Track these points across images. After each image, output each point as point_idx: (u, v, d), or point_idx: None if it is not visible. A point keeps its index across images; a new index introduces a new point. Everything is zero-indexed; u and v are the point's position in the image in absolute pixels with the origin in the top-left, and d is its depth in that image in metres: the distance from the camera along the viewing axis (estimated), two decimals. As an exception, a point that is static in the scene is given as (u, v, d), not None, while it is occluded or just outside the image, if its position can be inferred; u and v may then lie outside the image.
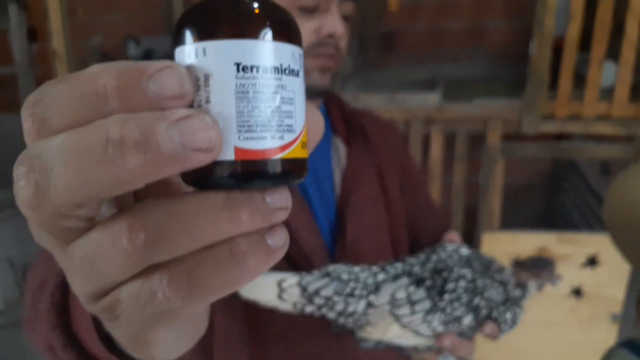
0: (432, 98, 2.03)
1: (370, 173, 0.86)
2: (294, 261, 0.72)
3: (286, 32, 0.26)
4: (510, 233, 1.98)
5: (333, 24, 0.75)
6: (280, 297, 0.58)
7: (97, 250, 0.24)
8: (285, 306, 0.59)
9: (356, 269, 0.63)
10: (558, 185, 2.66)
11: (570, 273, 1.95)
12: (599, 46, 1.87)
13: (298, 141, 0.26)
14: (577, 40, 1.88)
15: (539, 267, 0.66)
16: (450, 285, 0.61)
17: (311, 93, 0.78)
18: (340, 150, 0.86)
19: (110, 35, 2.86)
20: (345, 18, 0.80)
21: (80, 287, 0.27)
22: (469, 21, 2.76)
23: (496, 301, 0.63)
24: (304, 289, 0.58)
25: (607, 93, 1.93)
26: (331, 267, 0.62)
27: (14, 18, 3.08)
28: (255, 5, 0.25)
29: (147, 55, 2.37)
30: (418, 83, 2.38)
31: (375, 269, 0.64)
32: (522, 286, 0.66)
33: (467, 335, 0.63)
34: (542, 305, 1.99)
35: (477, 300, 0.61)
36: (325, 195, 0.82)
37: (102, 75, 0.23)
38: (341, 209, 0.81)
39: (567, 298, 1.96)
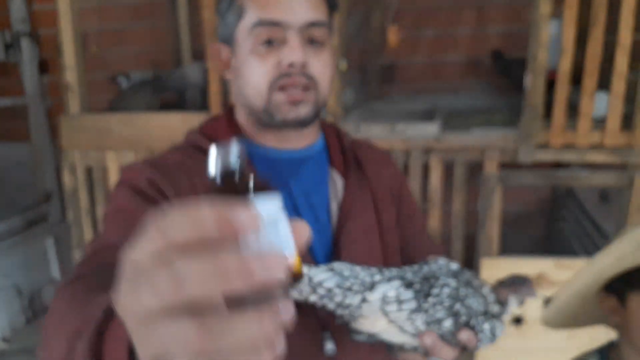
0: (431, 128, 2.10)
1: (366, 204, 0.89)
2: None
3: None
4: (509, 259, 2.02)
5: (290, 53, 0.77)
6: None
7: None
8: (293, 293, 0.66)
9: (357, 267, 0.69)
10: (556, 213, 2.71)
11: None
12: (590, 78, 1.94)
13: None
14: (570, 73, 1.96)
15: (517, 283, 0.71)
16: (435, 290, 0.67)
17: (289, 126, 0.82)
18: (337, 183, 0.89)
19: (119, 68, 2.96)
20: (319, 43, 0.81)
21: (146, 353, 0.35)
22: (466, 54, 2.86)
23: (476, 310, 0.68)
24: (310, 279, 0.65)
25: (600, 123, 2.00)
26: (336, 264, 0.68)
27: (26, 51, 3.19)
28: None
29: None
30: (418, 113, 2.46)
31: (373, 270, 0.69)
32: (501, 302, 0.71)
33: (448, 340, 0.68)
34: (542, 332, 2.02)
35: (457, 306, 0.66)
36: (321, 226, 0.85)
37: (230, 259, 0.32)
38: (337, 238, 0.85)
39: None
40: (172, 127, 2.19)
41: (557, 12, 1.98)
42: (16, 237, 3.07)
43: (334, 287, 0.65)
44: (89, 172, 2.34)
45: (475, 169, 2.19)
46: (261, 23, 0.77)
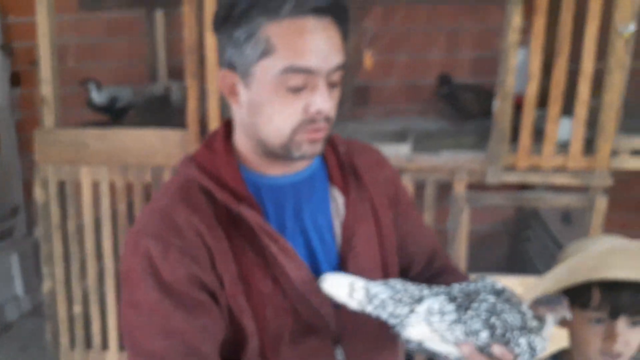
0: (403, 149, 2.16)
1: (366, 215, 0.93)
2: (303, 316, 0.84)
3: None
4: (476, 275, 2.08)
5: (320, 101, 0.79)
6: (350, 295, 0.77)
7: None
8: (352, 303, 0.77)
9: (409, 283, 0.79)
10: (522, 234, 2.81)
11: (533, 316, 2.06)
12: (555, 104, 2.04)
13: None
14: (536, 99, 2.05)
15: (553, 302, 0.78)
16: (474, 305, 0.74)
17: (303, 159, 0.85)
18: (338, 201, 0.92)
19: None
20: (334, 85, 0.82)
21: None
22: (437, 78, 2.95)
23: (512, 324, 0.74)
24: (367, 291, 0.76)
25: (564, 147, 2.09)
26: (391, 280, 0.79)
27: (-2, 63, 3.16)
28: None
29: (112, 102, 2.46)
30: (390, 135, 2.52)
31: (424, 286, 0.79)
32: (539, 318, 0.77)
33: (485, 351, 0.74)
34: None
35: (493, 320, 0.73)
36: (327, 245, 0.89)
37: None
38: (343, 255, 0.89)
39: None
40: (148, 143, 2.20)
41: (525, 41, 2.09)
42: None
43: (387, 299, 0.75)
44: (61, 186, 2.33)
45: (444, 189, 2.26)
46: (294, 70, 0.77)
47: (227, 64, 0.83)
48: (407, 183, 2.16)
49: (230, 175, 0.84)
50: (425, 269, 1.05)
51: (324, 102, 0.79)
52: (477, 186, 2.17)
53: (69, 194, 2.32)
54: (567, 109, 2.08)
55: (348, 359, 0.89)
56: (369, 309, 0.76)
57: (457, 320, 0.74)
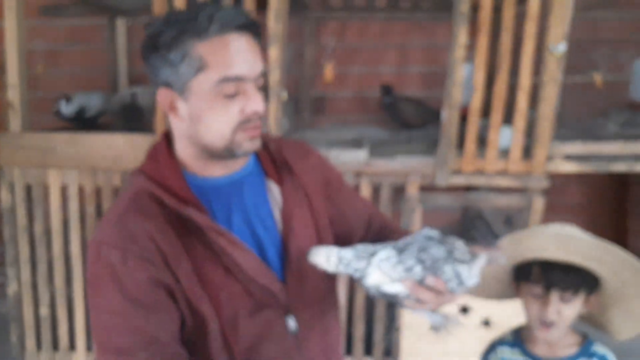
0: (361, 154, 2.33)
1: (300, 200, 1.06)
2: (255, 296, 0.96)
3: None
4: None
5: (255, 103, 0.91)
6: (327, 261, 0.92)
7: None
8: (330, 267, 0.92)
9: (369, 245, 0.95)
10: (467, 234, 3.02)
11: (480, 307, 2.26)
12: (496, 114, 2.26)
13: None
14: (480, 109, 2.26)
15: (490, 245, 0.97)
16: (409, 247, 0.91)
17: (245, 156, 0.99)
18: (274, 191, 1.05)
19: (55, 89, 2.99)
20: (260, 88, 0.95)
21: None
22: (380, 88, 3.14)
23: (436, 256, 0.89)
24: (338, 256, 0.92)
25: (505, 152, 2.31)
26: (357, 244, 0.95)
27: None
28: None
29: (81, 112, 2.52)
30: (346, 142, 2.69)
31: (378, 244, 0.94)
32: (473, 254, 0.93)
33: (423, 284, 0.88)
34: (459, 337, 2.27)
35: (422, 255, 0.89)
36: (270, 231, 1.02)
37: None
38: (285, 238, 1.02)
39: (477, 329, 2.26)
40: (117, 147, 2.27)
41: (470, 56, 2.30)
42: None
43: (352, 258, 0.91)
44: (27, 189, 2.36)
45: (398, 192, 2.44)
46: (227, 79, 0.89)
47: (164, 83, 0.93)
48: (365, 186, 2.33)
49: (176, 182, 0.94)
50: (368, 232, 1.19)
51: (258, 103, 0.92)
52: (428, 188, 2.36)
53: (36, 197, 2.36)
54: (508, 119, 2.30)
55: (299, 325, 1.02)
56: (340, 268, 0.92)
57: (398, 262, 0.89)
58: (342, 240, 1.13)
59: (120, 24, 3.04)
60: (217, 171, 0.99)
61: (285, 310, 1.00)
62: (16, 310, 2.43)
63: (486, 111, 2.32)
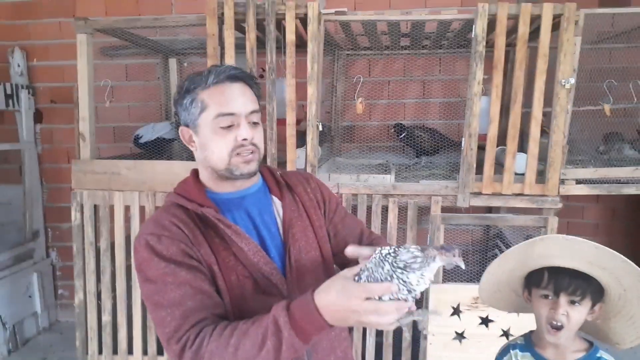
0: (388, 178, 2.59)
1: (299, 214, 1.31)
2: (260, 283, 1.18)
3: None
4: (451, 285, 2.50)
5: (244, 132, 1.18)
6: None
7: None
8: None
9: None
10: (489, 252, 3.24)
11: (501, 320, 2.46)
12: (512, 142, 2.50)
13: None
14: (496, 137, 2.50)
15: (445, 249, 0.98)
16: (361, 274, 1.00)
17: (244, 177, 1.23)
18: (277, 204, 1.31)
19: (112, 121, 3.31)
20: (257, 123, 1.22)
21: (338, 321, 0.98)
22: (412, 120, 3.41)
23: (381, 279, 0.97)
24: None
25: (520, 177, 2.54)
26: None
27: (24, 102, 3.51)
28: None
29: (158, 139, 2.84)
30: (374, 167, 2.95)
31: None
32: (425, 261, 0.97)
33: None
34: (481, 346, 2.47)
35: (371, 280, 0.99)
36: (273, 234, 1.26)
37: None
38: (285, 240, 1.26)
39: (498, 339, 2.46)
40: (175, 173, 2.58)
41: (487, 90, 2.54)
42: (3, 271, 3.28)
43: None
44: (95, 209, 2.67)
45: (422, 212, 2.69)
46: (222, 114, 1.18)
47: (184, 123, 1.24)
48: (393, 206, 2.58)
49: (196, 193, 1.22)
50: (360, 244, 1.35)
51: (246, 132, 1.18)
52: (450, 209, 2.60)
53: (102, 216, 2.67)
54: (523, 146, 2.52)
55: None
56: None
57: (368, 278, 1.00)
58: (339, 252, 1.32)
59: (172, 63, 3.39)
60: (229, 189, 1.26)
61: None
62: (81, 317, 2.72)
63: (503, 139, 2.56)
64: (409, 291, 0.97)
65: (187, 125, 1.24)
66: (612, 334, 1.34)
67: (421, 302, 2.55)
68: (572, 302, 1.25)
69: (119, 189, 2.64)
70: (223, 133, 1.18)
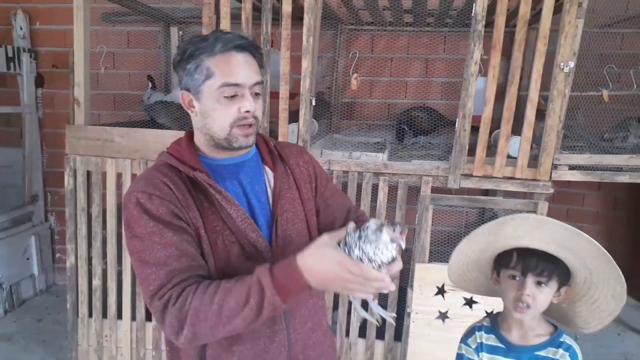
0: (380, 157, 2.58)
1: (290, 185, 1.33)
2: (245, 249, 1.20)
3: None
4: (437, 265, 2.50)
5: (248, 104, 1.18)
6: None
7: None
8: None
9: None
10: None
11: (484, 301, 2.45)
12: (506, 125, 2.46)
13: None
14: (490, 119, 2.47)
15: (394, 225, 1.07)
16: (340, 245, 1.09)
17: (241, 149, 1.24)
18: (268, 174, 1.32)
19: (113, 88, 3.34)
20: (258, 94, 1.22)
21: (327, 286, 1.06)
22: (413, 99, 3.38)
23: (349, 244, 1.06)
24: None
25: (513, 160, 2.51)
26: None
27: (25, 65, 3.52)
28: None
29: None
30: (371, 145, 2.94)
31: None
32: (377, 229, 1.06)
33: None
34: (464, 325, 2.47)
35: (344, 247, 1.07)
36: (262, 204, 1.28)
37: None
38: (273, 210, 1.28)
39: None
40: (167, 141, 2.57)
41: (484, 71, 2.51)
42: (2, 233, 3.35)
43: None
44: (87, 175, 2.70)
45: (415, 193, 2.68)
46: (227, 84, 1.17)
47: (184, 87, 1.23)
48: (383, 185, 2.57)
49: (189, 157, 1.22)
50: (347, 221, 1.37)
51: (250, 104, 1.19)
52: (440, 190, 2.58)
53: (94, 182, 2.69)
54: (519, 130, 2.49)
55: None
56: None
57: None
58: (326, 226, 1.39)
59: (173, 31, 3.37)
60: (222, 155, 1.26)
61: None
62: (72, 281, 2.77)
63: (498, 121, 2.53)
64: (370, 260, 1.04)
65: (188, 90, 1.23)
66: (577, 318, 1.34)
67: (406, 279, 2.56)
68: (539, 284, 1.26)
69: (112, 156, 2.66)
70: (226, 103, 1.18)
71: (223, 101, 1.18)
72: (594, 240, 1.16)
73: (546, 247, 1.23)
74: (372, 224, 1.06)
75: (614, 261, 1.16)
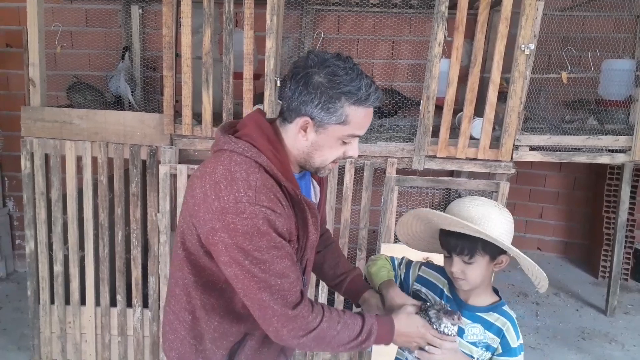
0: (346, 138, 2.58)
1: (324, 196, 1.48)
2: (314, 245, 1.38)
3: None
4: (402, 245, 2.52)
5: (355, 153, 1.28)
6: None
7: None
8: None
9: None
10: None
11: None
12: (469, 106, 2.49)
13: None
14: (454, 101, 2.49)
15: (449, 313, 1.33)
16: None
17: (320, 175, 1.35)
18: (316, 187, 1.44)
19: (72, 68, 3.23)
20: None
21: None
22: (379, 81, 3.38)
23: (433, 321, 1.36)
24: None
25: (476, 141, 2.55)
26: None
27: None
28: None
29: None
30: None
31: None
32: (439, 318, 1.34)
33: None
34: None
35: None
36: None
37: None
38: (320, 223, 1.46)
39: None
40: (127, 123, 2.53)
41: (447, 53, 2.52)
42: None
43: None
44: (45, 158, 2.62)
45: (379, 174, 2.69)
46: (353, 135, 1.23)
47: (307, 114, 1.20)
48: (349, 167, 2.58)
49: (287, 170, 1.25)
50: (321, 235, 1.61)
51: (356, 152, 1.28)
52: (405, 171, 2.60)
53: (53, 165, 2.62)
54: (482, 111, 2.53)
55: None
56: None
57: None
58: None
59: (134, 10, 3.28)
60: (296, 170, 1.33)
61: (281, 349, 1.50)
62: (32, 267, 2.71)
63: (461, 103, 2.55)
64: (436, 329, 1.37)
65: (311, 118, 1.20)
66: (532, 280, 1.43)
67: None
68: (467, 262, 1.34)
69: (71, 138, 2.59)
70: (339, 146, 1.24)
71: (339, 144, 1.24)
72: (465, 222, 1.27)
73: (459, 228, 1.32)
74: (433, 313, 1.36)
75: (480, 230, 1.26)
